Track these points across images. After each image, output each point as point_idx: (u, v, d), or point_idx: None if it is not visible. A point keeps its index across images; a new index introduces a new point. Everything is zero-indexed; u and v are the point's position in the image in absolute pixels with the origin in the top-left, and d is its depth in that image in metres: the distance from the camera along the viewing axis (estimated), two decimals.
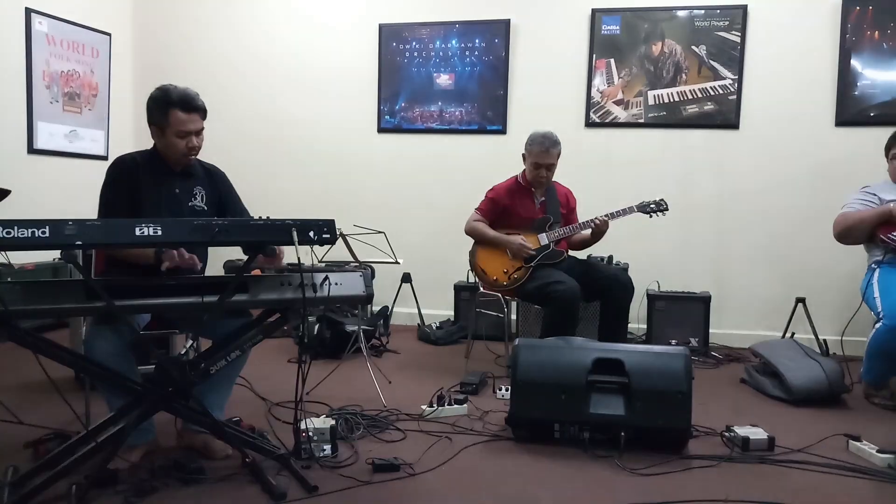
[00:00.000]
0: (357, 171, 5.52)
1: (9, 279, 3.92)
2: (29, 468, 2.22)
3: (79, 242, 1.92)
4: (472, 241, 4.05)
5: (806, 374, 3.49)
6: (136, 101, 5.82)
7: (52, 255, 4.50)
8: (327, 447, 2.57)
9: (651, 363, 2.79)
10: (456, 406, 3.17)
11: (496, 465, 2.60)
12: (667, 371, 2.75)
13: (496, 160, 5.02)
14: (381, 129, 5.47)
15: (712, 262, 5.00)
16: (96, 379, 2.61)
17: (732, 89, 4.85)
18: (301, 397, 2.32)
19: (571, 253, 4.07)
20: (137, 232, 2.00)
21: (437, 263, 5.25)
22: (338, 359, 4.01)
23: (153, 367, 2.30)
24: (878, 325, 3.38)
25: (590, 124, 5.10)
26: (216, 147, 5.53)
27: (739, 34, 4.82)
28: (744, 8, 4.81)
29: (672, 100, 4.95)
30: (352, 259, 3.73)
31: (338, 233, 2.34)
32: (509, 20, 5.17)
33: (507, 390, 3.29)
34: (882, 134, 3.84)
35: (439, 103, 5.34)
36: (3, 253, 3.08)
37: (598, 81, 5.06)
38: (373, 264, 4.04)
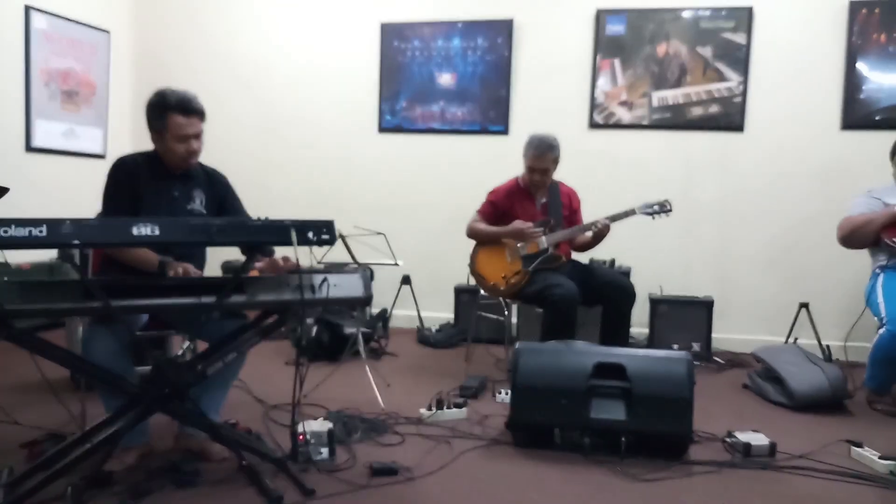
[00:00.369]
0: (357, 171, 5.50)
1: (5, 278, 3.88)
2: (24, 469, 2.21)
3: (76, 241, 1.90)
4: (472, 243, 4.02)
5: (808, 379, 3.47)
6: (135, 100, 5.80)
7: (48, 255, 4.48)
8: (324, 450, 2.55)
9: (653, 368, 2.77)
10: (455, 410, 3.15)
11: (495, 470, 2.58)
12: (668, 376, 2.74)
13: (498, 161, 4.99)
14: (382, 129, 5.45)
15: (715, 266, 4.98)
16: (93, 380, 2.60)
17: (738, 91, 4.83)
18: (298, 400, 2.31)
19: (574, 255, 4.03)
20: (135, 231, 1.98)
21: (437, 265, 5.23)
22: (336, 361, 3.99)
23: (150, 367, 2.28)
24: (881, 331, 3.36)
25: (593, 125, 5.08)
26: (214, 146, 5.53)
27: (745, 36, 4.79)
28: (749, 10, 4.78)
29: (677, 101, 4.93)
30: (351, 260, 3.71)
31: (337, 234, 2.32)
32: (512, 20, 5.15)
33: (506, 394, 3.27)
34: (888, 138, 3.81)
35: (441, 103, 5.32)
36: None
37: (602, 82, 5.04)
38: (372, 266, 4.02)
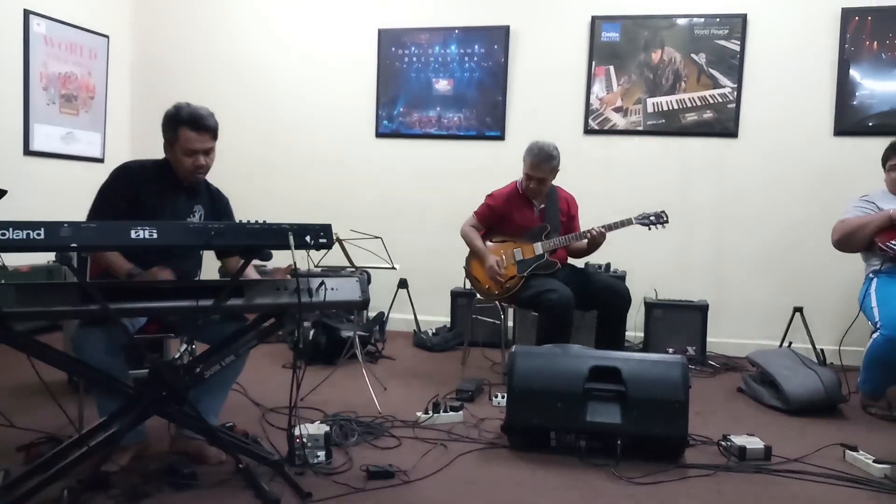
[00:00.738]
0: (355, 175, 5.52)
1: (2, 281, 3.89)
2: (21, 472, 2.20)
3: (74, 245, 1.90)
4: (469, 248, 4.05)
5: (803, 383, 3.48)
6: (134, 104, 5.82)
7: (47, 258, 4.49)
8: (321, 453, 2.55)
9: (648, 371, 2.78)
10: (451, 413, 3.15)
11: (491, 473, 2.58)
12: (664, 380, 2.74)
13: (494, 166, 5.02)
14: (379, 134, 5.47)
15: (710, 270, 5.00)
16: (90, 382, 2.60)
17: (731, 98, 4.86)
18: (295, 403, 2.31)
19: (570, 260, 4.05)
20: (133, 235, 1.99)
21: (433, 269, 5.24)
22: (333, 365, 3.99)
23: (147, 370, 2.28)
24: (875, 335, 3.38)
25: (588, 131, 5.10)
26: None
27: (739, 43, 4.82)
28: (743, 17, 4.82)
29: (671, 107, 4.95)
30: (348, 264, 3.72)
31: (334, 238, 2.34)
32: (508, 26, 5.18)
33: (503, 398, 3.28)
34: (880, 144, 3.85)
35: (438, 109, 5.34)
36: None
37: (598, 88, 5.07)
38: (369, 269, 4.02)
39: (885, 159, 3.73)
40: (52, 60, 5.02)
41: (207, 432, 2.36)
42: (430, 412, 3.12)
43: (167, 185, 2.69)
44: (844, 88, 4.69)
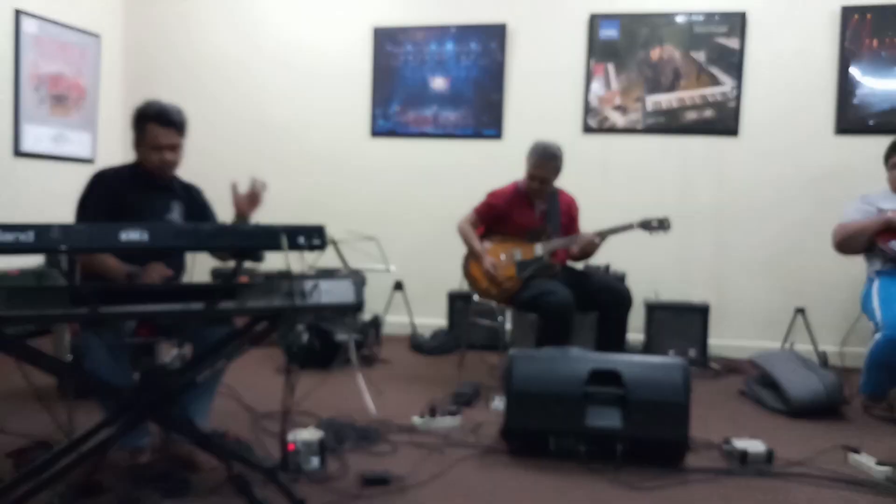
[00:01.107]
0: (350, 175, 5.48)
1: None
2: (11, 478, 2.16)
3: (64, 247, 1.88)
4: (465, 245, 4.01)
5: (805, 385, 3.46)
6: (125, 104, 5.76)
7: (36, 261, 4.44)
8: (315, 460, 2.52)
9: (649, 374, 2.76)
10: (448, 418, 3.12)
11: (490, 479, 2.56)
12: (665, 382, 2.72)
13: (491, 165, 4.98)
14: (374, 133, 5.43)
15: (711, 271, 4.97)
16: (82, 387, 2.58)
17: (732, 96, 4.83)
18: (289, 408, 2.29)
19: (569, 262, 4.01)
20: (123, 237, 1.96)
21: (430, 271, 5.20)
22: (327, 369, 3.96)
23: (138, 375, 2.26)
24: (877, 337, 3.37)
25: (587, 130, 5.07)
26: (206, 151, 5.52)
27: (739, 40, 4.80)
28: (743, 14, 4.79)
29: (671, 106, 4.93)
30: (343, 266, 3.69)
31: (328, 239, 2.30)
32: (505, 24, 5.14)
33: (501, 402, 3.24)
34: (882, 142, 3.83)
35: (434, 107, 5.31)
36: None
37: (596, 87, 5.03)
38: (364, 271, 3.99)
39: (887, 157, 3.72)
40: (42, 60, 4.97)
41: (200, 438, 2.33)
42: (427, 417, 3.09)
43: (143, 186, 2.75)
44: (845, 87, 4.67)
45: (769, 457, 2.73)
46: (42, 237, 1.84)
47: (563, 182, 3.98)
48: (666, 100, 4.93)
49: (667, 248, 4.86)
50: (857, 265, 3.83)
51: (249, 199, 2.79)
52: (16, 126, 4.80)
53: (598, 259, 4.45)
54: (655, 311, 4.57)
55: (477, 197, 4.05)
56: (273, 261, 2.54)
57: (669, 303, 4.61)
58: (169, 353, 2.77)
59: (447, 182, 5.27)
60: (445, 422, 3.10)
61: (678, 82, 4.90)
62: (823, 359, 4.26)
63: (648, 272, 4.87)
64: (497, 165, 4.76)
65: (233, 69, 5.63)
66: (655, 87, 4.94)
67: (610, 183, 5.02)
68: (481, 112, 5.23)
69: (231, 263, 2.53)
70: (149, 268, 2.57)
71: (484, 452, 2.81)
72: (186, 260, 2.94)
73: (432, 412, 3.11)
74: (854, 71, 4.64)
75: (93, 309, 2.01)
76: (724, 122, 4.86)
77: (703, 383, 4.07)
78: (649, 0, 4.94)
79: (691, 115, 4.90)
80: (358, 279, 2.46)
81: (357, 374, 3.37)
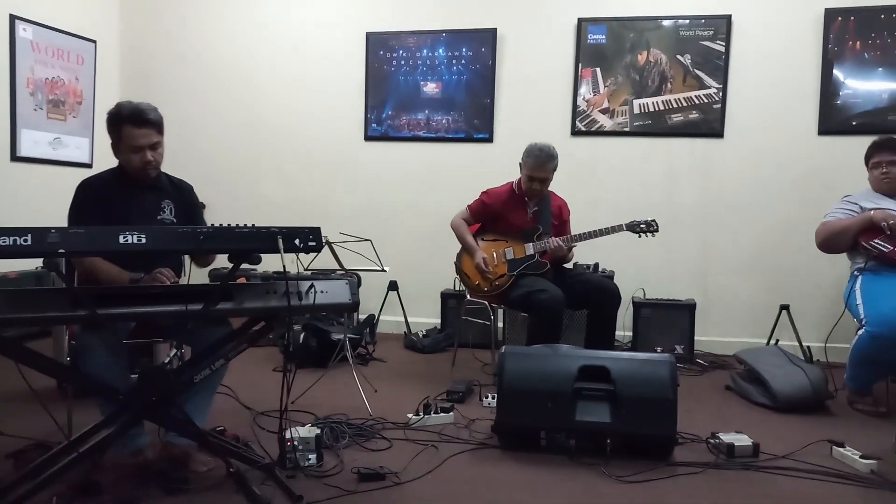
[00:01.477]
0: (344, 178, 5.52)
1: None
2: (10, 479, 2.19)
3: (62, 250, 1.89)
4: (459, 246, 4.07)
5: (790, 380, 3.51)
6: None
7: (35, 264, 4.46)
8: (312, 456, 2.55)
9: (637, 370, 2.80)
10: (442, 414, 3.16)
11: (482, 474, 2.59)
12: (652, 378, 2.76)
13: (483, 168, 5.04)
14: (367, 138, 5.47)
15: (697, 269, 5.03)
16: (81, 388, 2.59)
17: (717, 98, 4.90)
18: (286, 406, 2.31)
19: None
20: (121, 240, 1.98)
21: (423, 271, 5.25)
22: (323, 367, 3.99)
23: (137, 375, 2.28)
24: (860, 332, 3.40)
25: (575, 133, 5.12)
26: (201, 154, 5.56)
27: (724, 44, 4.86)
28: (728, 18, 4.85)
29: (657, 108, 4.99)
30: (338, 267, 3.72)
31: (324, 241, 2.33)
32: (496, 29, 5.19)
33: (493, 398, 3.29)
34: (864, 142, 3.88)
35: (426, 111, 5.35)
36: None
37: (584, 90, 5.09)
38: (359, 272, 4.03)
39: (868, 157, 3.77)
40: (38, 66, 4.99)
41: (198, 437, 2.36)
42: (421, 414, 3.13)
43: (131, 188, 2.70)
44: (828, 88, 4.73)
45: (755, 450, 2.78)
46: (39, 240, 1.86)
47: (553, 183, 4.04)
48: (653, 102, 4.98)
49: (654, 247, 4.91)
50: (841, 263, 3.89)
51: None
52: (13, 130, 4.82)
53: (587, 258, 4.51)
54: (643, 308, 4.62)
55: (468, 199, 4.10)
56: (270, 263, 2.58)
57: (656, 300, 4.66)
58: (167, 354, 2.79)
59: (439, 185, 5.31)
60: (439, 418, 3.14)
61: (665, 85, 4.96)
62: (808, 355, 4.31)
63: (636, 271, 4.93)
64: (488, 168, 4.81)
65: (228, 74, 5.66)
66: (642, 90, 5.00)
67: (598, 184, 5.07)
68: (472, 116, 5.28)
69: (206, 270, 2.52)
70: (155, 275, 2.55)
71: (477, 448, 2.84)
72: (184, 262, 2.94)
73: (426, 409, 3.15)
74: (837, 72, 4.71)
75: (91, 310, 2.04)
76: (709, 123, 4.92)
77: (690, 379, 4.13)
78: (636, 5, 5.00)
79: (677, 118, 4.96)
80: (353, 280, 2.50)
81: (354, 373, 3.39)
